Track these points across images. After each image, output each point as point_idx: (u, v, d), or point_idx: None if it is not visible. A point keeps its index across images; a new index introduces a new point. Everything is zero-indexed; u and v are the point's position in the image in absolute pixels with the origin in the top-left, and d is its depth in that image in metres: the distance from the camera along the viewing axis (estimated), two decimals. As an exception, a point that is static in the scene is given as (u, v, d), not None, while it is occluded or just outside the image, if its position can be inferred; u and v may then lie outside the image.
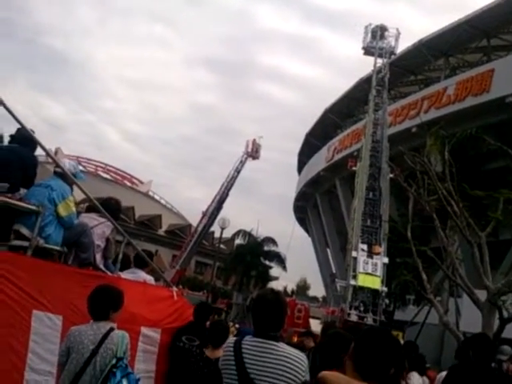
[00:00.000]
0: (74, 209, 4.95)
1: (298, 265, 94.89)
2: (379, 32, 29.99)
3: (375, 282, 18.13)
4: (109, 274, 5.32)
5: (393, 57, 30.88)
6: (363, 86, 35.00)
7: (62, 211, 4.79)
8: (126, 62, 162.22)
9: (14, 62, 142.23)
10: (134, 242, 5.95)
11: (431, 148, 15.57)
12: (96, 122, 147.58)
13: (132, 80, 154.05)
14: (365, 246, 19.26)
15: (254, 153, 43.07)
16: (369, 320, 17.37)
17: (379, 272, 18.37)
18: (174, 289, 5.93)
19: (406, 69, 36.58)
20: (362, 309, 17.80)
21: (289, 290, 64.01)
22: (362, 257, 18.76)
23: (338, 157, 40.20)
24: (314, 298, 56.94)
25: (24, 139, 5.05)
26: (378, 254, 18.97)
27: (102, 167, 67.37)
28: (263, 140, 44.09)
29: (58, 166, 4.95)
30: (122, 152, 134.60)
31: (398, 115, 33.36)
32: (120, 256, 5.64)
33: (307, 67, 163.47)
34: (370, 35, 30.42)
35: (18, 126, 4.85)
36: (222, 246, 47.75)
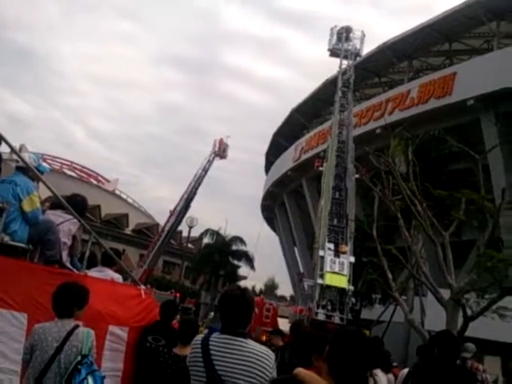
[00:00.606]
0: (38, 204, 4.88)
1: (266, 264, 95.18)
2: (344, 34, 30.31)
3: (342, 281, 18.29)
4: (75, 271, 5.27)
5: (358, 59, 31.25)
6: (329, 87, 35.32)
7: (27, 207, 4.73)
8: (92, 57, 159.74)
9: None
10: (101, 241, 5.90)
11: (395, 149, 15.85)
12: (61, 119, 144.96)
13: (98, 76, 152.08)
14: (331, 245, 19.43)
15: (221, 152, 42.99)
16: (336, 319, 17.52)
17: (346, 271, 18.55)
18: (142, 287, 5.90)
19: (371, 71, 37.05)
20: (329, 307, 17.94)
21: (257, 289, 64.18)
22: (328, 256, 18.91)
23: (304, 157, 40.46)
24: (282, 297, 57.34)
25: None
26: (344, 253, 19.15)
27: (67, 165, 66.23)
28: (231, 140, 44.06)
29: (22, 161, 4.87)
30: (87, 150, 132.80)
31: (363, 116, 33.79)
32: (87, 254, 5.59)
33: (274, 68, 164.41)
34: (335, 37, 30.72)
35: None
36: (189, 245, 47.64)
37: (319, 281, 18.38)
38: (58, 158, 66.33)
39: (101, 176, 68.93)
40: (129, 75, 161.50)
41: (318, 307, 17.80)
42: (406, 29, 32.51)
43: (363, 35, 30.94)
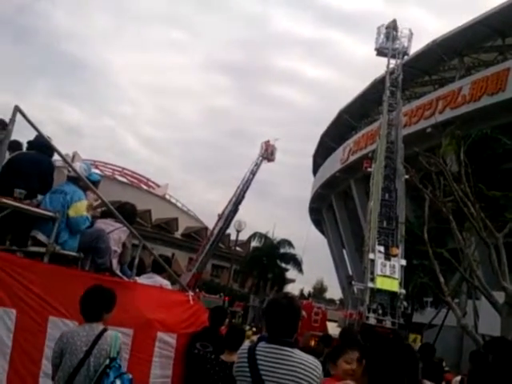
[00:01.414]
0: (84, 213, 4.93)
1: (315, 267, 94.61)
2: (392, 33, 29.82)
3: (393, 285, 17.90)
4: (125, 279, 5.36)
5: (406, 57, 30.68)
6: (377, 86, 34.80)
7: (71, 212, 4.81)
8: (143, 67, 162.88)
9: (33, 68, 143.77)
10: (151, 246, 5.99)
11: (446, 148, 15.48)
12: (114, 127, 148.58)
13: (149, 85, 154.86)
14: (382, 248, 19.07)
15: (269, 155, 43.00)
16: (387, 323, 17.18)
17: (397, 274, 18.14)
18: (190, 293, 5.95)
19: (421, 69, 36.32)
20: (380, 312, 17.61)
21: (305, 292, 63.77)
22: (379, 259, 18.56)
23: (352, 158, 40.03)
24: (331, 301, 56.68)
25: (41, 146, 5.13)
26: (395, 255, 18.75)
27: (118, 171, 67.65)
28: (278, 142, 44.04)
29: (73, 171, 4.99)
30: (138, 156, 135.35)
31: (413, 116, 33.14)
32: (136, 261, 5.68)
33: (322, 69, 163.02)
34: (382, 36, 30.28)
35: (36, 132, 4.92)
36: (238, 248, 47.88)
37: (370, 284, 18.04)
38: (109, 164, 67.91)
39: (151, 181, 70.10)
40: (179, 83, 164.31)
41: (368, 311, 17.50)
42: (455, 26, 31.77)
43: (411, 33, 30.36)
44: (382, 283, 17.95)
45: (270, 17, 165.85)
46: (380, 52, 30.27)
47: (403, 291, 18.07)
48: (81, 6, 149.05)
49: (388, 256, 18.79)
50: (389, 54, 29.13)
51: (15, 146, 5.23)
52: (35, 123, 4.58)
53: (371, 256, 18.84)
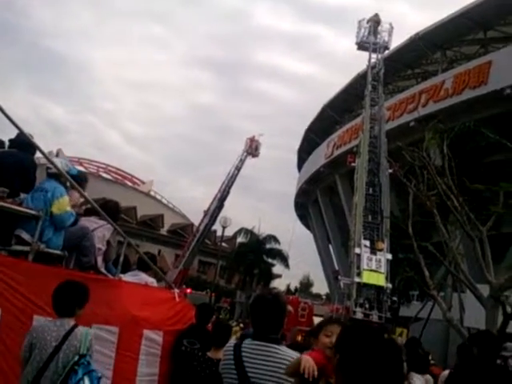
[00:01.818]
0: (68, 208, 4.89)
1: (301, 262, 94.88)
2: (372, 27, 29.84)
3: (380, 279, 18.01)
4: (110, 276, 5.33)
5: (388, 51, 30.76)
6: (360, 81, 34.77)
7: (55, 209, 4.76)
8: (125, 62, 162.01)
9: (14, 64, 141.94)
10: (137, 242, 5.96)
11: (430, 142, 15.51)
12: (97, 123, 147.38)
13: (131, 81, 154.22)
14: (367, 243, 19.17)
15: (253, 150, 43.03)
16: (374, 317, 17.29)
17: (383, 268, 18.27)
18: (176, 290, 5.93)
19: (403, 63, 36.44)
20: (367, 306, 17.71)
21: (292, 287, 63.98)
22: (365, 253, 18.66)
23: (337, 152, 40.09)
24: (318, 296, 56.98)
25: (23, 144, 5.07)
26: (381, 250, 18.87)
27: (103, 168, 67.27)
28: (263, 137, 44.05)
29: (55, 167, 4.92)
30: (122, 152, 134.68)
31: (396, 110, 33.26)
32: (121, 258, 5.64)
33: (305, 64, 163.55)
34: (363, 30, 30.31)
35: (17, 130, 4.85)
36: (224, 244, 47.82)
37: (356, 279, 18.14)
38: (94, 161, 67.51)
39: (136, 178, 69.79)
40: (161, 78, 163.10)
41: (355, 306, 17.59)
42: (437, 19, 31.93)
43: (391, 28, 30.39)
44: (368, 277, 18.07)
45: (252, 11, 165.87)
46: (361, 46, 30.28)
47: (389, 285, 18.21)
48: (61, 1, 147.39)
49: (374, 250, 18.91)
50: (370, 49, 29.18)
51: (-4, 144, 5.17)
52: (16, 120, 4.51)
53: (357, 250, 18.94)
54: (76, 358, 3.69)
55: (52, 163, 4.93)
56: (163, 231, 59.17)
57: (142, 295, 5.27)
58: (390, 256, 18.71)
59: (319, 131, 46.40)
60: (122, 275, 5.57)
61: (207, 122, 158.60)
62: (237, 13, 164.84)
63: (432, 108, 29.05)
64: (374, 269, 18.21)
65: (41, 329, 3.81)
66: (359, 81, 36.15)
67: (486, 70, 27.39)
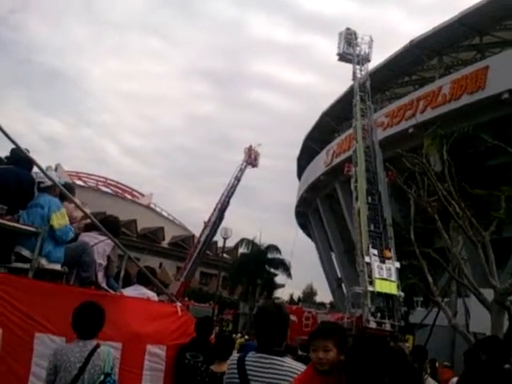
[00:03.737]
0: (66, 221, 4.88)
1: (304, 271, 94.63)
2: (346, 39, 30.13)
3: (392, 288, 17.96)
4: (112, 292, 5.28)
5: (385, 58, 30.97)
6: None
7: (55, 224, 4.74)
8: (122, 75, 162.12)
9: (8, 80, 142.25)
10: (138, 256, 5.91)
11: (429, 148, 15.48)
12: (94, 137, 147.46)
13: (128, 94, 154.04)
14: (375, 251, 19.11)
15: (253, 161, 43.16)
16: (387, 326, 17.18)
17: (394, 277, 18.20)
18: (178, 304, 5.88)
19: (400, 70, 36.61)
20: (378, 315, 17.60)
21: (295, 297, 63.78)
22: (375, 262, 18.59)
23: (336, 161, 40.16)
24: (321, 304, 56.65)
25: (20, 159, 5.02)
26: (389, 258, 18.83)
27: (102, 181, 67.41)
28: (262, 147, 44.22)
29: (52, 182, 4.88)
30: (121, 165, 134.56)
31: (395, 116, 33.34)
32: (122, 273, 5.59)
33: (302, 74, 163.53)
34: (343, 42, 30.51)
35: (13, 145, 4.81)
36: (225, 255, 47.77)
37: (370, 288, 18.04)
38: (92, 175, 67.61)
39: (135, 191, 69.89)
40: (159, 91, 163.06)
41: (370, 315, 17.46)
42: (433, 25, 32.08)
43: (371, 40, 30.77)
44: (381, 286, 17.99)
45: (248, 22, 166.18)
46: (342, 57, 30.50)
47: (402, 294, 18.08)
48: (57, 15, 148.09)
49: (382, 259, 18.84)
50: (354, 60, 29.43)
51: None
52: (13, 136, 4.48)
53: (367, 259, 18.83)
54: (102, 377, 3.76)
55: (50, 179, 4.89)
56: (164, 244, 59.08)
57: (144, 310, 5.22)
58: (398, 264, 18.64)
59: (318, 140, 46.51)
60: (122, 290, 5.52)
61: (206, 133, 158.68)
62: (233, 24, 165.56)
63: (430, 114, 29.14)
64: (385, 277, 18.13)
65: (64, 351, 3.86)
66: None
67: (483, 75, 27.49)
